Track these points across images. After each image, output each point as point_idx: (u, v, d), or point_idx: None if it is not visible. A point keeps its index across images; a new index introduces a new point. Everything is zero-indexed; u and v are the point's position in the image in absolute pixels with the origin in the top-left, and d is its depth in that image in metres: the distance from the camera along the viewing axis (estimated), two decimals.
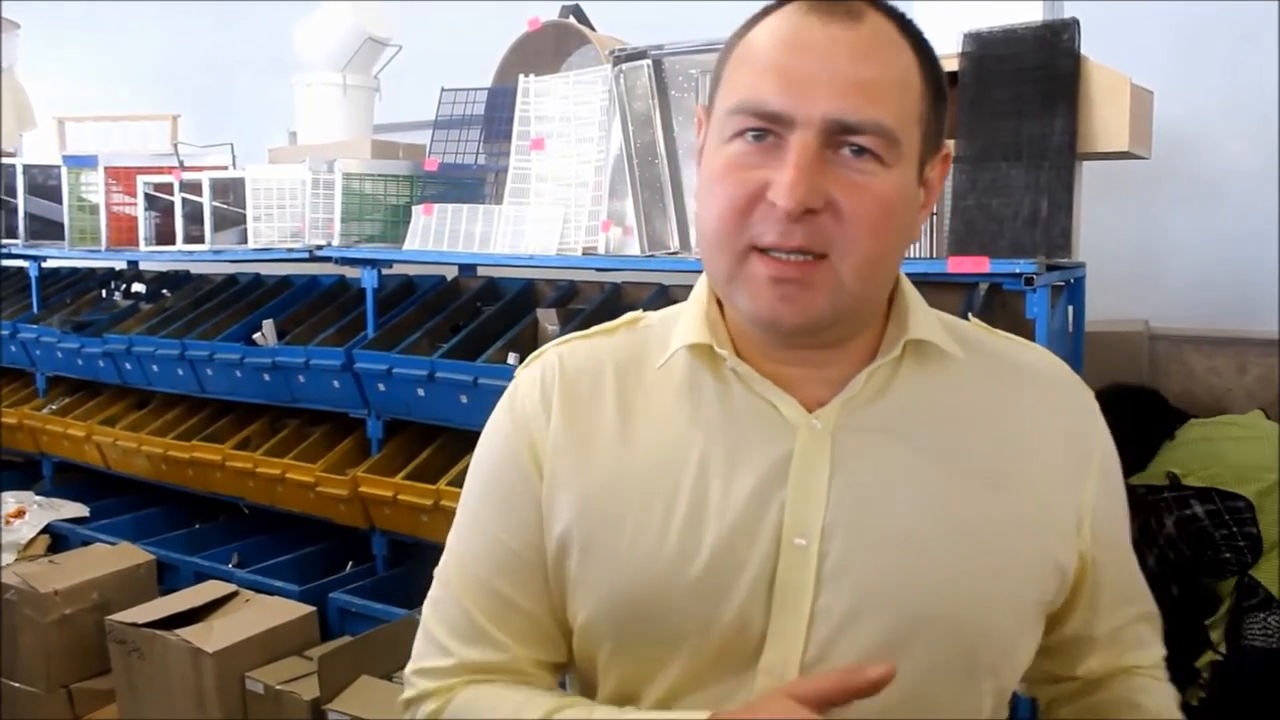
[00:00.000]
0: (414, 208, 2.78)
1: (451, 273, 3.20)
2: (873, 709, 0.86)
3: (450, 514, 2.77)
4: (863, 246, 0.84)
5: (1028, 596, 0.91)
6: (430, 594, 1.03)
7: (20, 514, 3.44)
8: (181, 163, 3.47)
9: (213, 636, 2.48)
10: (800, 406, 0.92)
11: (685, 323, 0.96)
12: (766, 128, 0.85)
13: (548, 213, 2.50)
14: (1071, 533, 0.93)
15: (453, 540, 1.04)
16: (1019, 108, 2.00)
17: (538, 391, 1.00)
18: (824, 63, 0.84)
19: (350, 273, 3.12)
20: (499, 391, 2.65)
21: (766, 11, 0.89)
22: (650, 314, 1.04)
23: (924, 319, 0.94)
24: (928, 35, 0.92)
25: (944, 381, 0.94)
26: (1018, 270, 1.88)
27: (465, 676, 0.98)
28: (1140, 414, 2.40)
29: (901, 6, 0.92)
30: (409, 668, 1.02)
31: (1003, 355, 0.99)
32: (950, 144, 0.95)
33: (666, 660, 0.92)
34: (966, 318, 1.04)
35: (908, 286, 0.96)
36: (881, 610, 0.87)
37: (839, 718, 0.86)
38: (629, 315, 1.05)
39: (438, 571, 1.03)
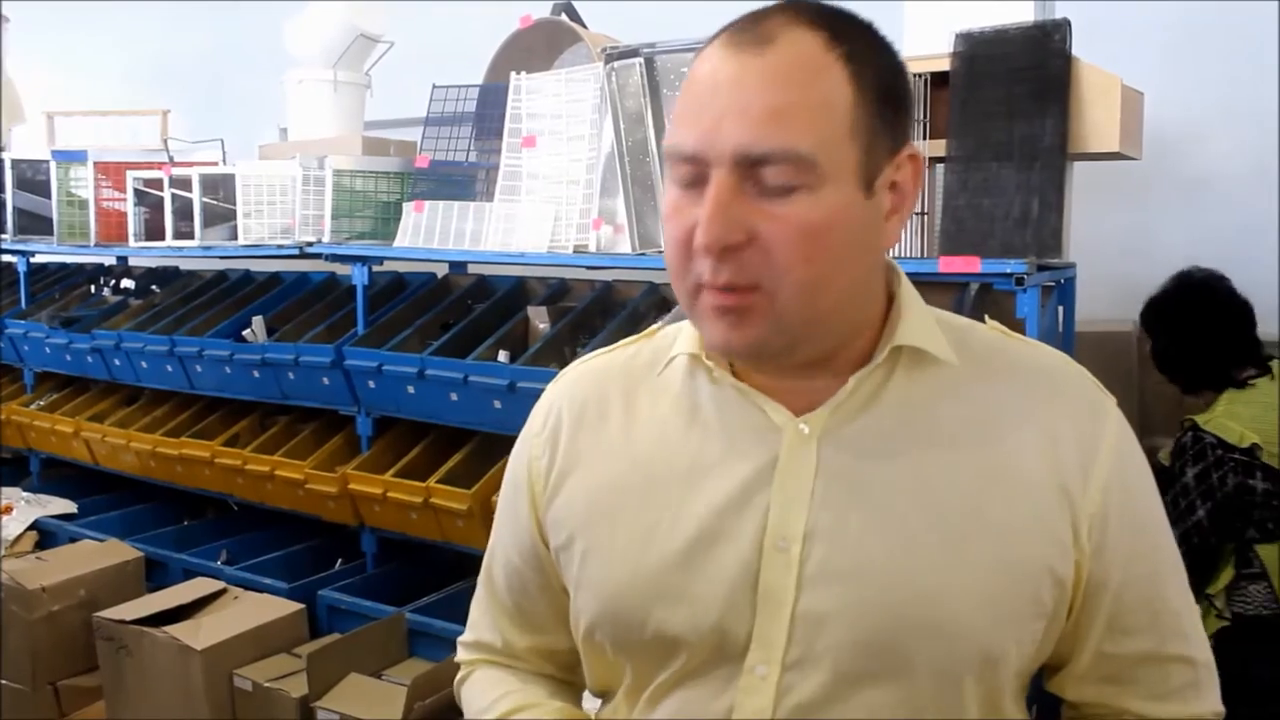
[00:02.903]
0: (405, 205, 2.78)
1: (442, 270, 3.19)
2: (859, 708, 0.88)
3: (439, 511, 2.77)
4: (792, 274, 0.84)
5: (1016, 604, 0.89)
6: (480, 574, 1.17)
7: (7, 510, 3.42)
8: (171, 158, 3.47)
9: (201, 634, 2.47)
10: (788, 412, 0.93)
11: (685, 333, 1.00)
12: (693, 169, 0.86)
13: (539, 210, 2.50)
14: (1068, 542, 0.91)
15: (491, 540, 1.15)
16: (1010, 108, 2.00)
17: (542, 419, 1.07)
18: (731, 97, 0.84)
19: (341, 269, 3.11)
20: (489, 389, 2.67)
21: (703, 48, 0.90)
22: (671, 325, 1.06)
23: (916, 325, 0.93)
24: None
25: (937, 387, 0.93)
26: (1008, 270, 1.88)
27: (484, 655, 1.14)
28: (1219, 329, 2.40)
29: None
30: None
31: (1010, 360, 0.97)
32: (920, 144, 0.94)
33: (665, 658, 0.95)
34: (983, 319, 1.03)
35: (906, 292, 0.95)
36: (861, 613, 0.88)
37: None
38: (652, 328, 1.09)
39: (485, 556, 1.16)
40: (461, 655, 1.17)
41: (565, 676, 1.14)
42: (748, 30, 0.86)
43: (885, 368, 0.93)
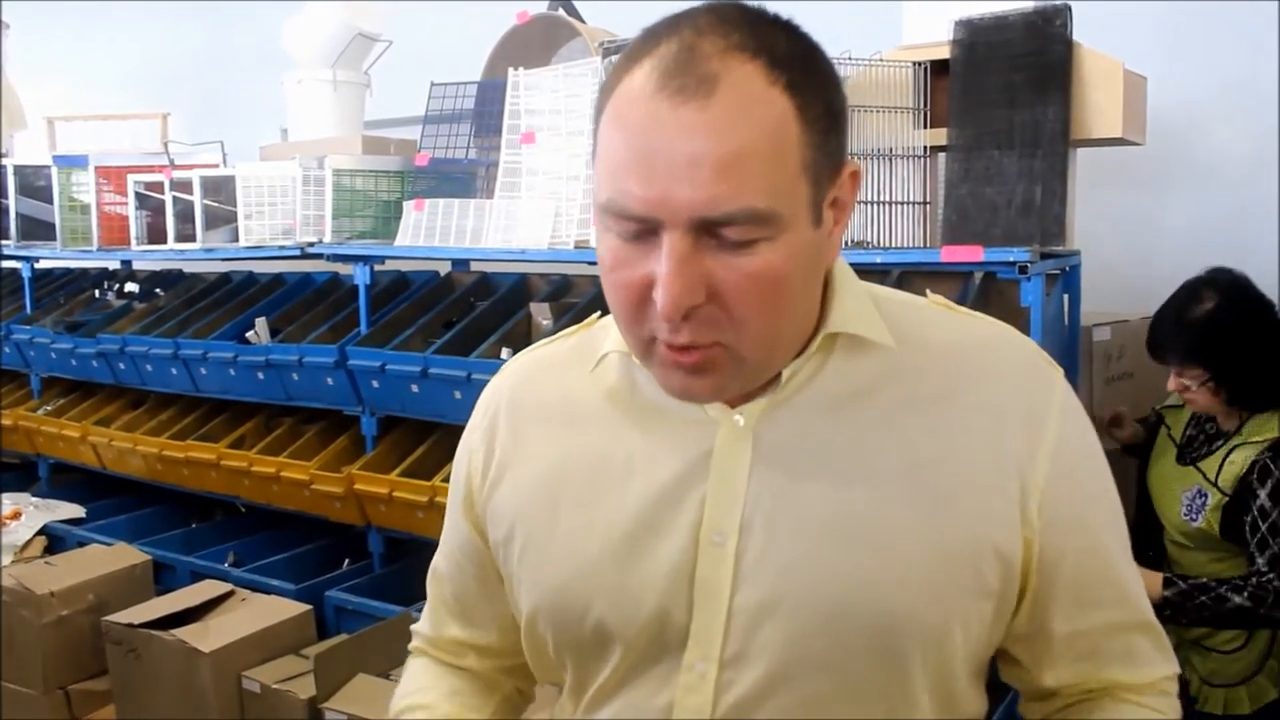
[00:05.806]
0: (405, 203, 2.77)
1: (444, 268, 3.19)
2: (801, 700, 0.88)
3: (445, 510, 2.75)
4: (754, 326, 0.82)
5: (959, 585, 0.88)
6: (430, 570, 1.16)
7: (16, 515, 3.43)
8: (172, 161, 3.46)
9: (209, 636, 2.47)
10: (723, 405, 0.92)
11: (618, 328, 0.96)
12: (640, 226, 0.81)
13: (539, 206, 2.49)
14: (1015, 517, 0.89)
15: (442, 535, 1.13)
16: (1011, 95, 1.99)
17: (481, 413, 1.07)
18: (680, 156, 0.77)
19: (343, 269, 3.11)
20: None
21: (627, 68, 0.82)
22: (608, 316, 1.01)
23: (850, 309, 0.91)
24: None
25: (875, 369, 0.91)
26: (1011, 259, 1.87)
27: (421, 641, 1.16)
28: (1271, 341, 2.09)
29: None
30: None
31: (951, 335, 0.94)
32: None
33: (602, 654, 0.94)
34: (924, 294, 1.01)
35: (840, 273, 0.93)
36: (799, 604, 0.87)
37: (765, 714, 0.88)
38: (592, 317, 1.06)
39: (436, 554, 1.15)
40: (413, 641, 1.19)
41: (491, 673, 1.14)
42: (685, 71, 0.78)
43: (820, 355, 0.91)
